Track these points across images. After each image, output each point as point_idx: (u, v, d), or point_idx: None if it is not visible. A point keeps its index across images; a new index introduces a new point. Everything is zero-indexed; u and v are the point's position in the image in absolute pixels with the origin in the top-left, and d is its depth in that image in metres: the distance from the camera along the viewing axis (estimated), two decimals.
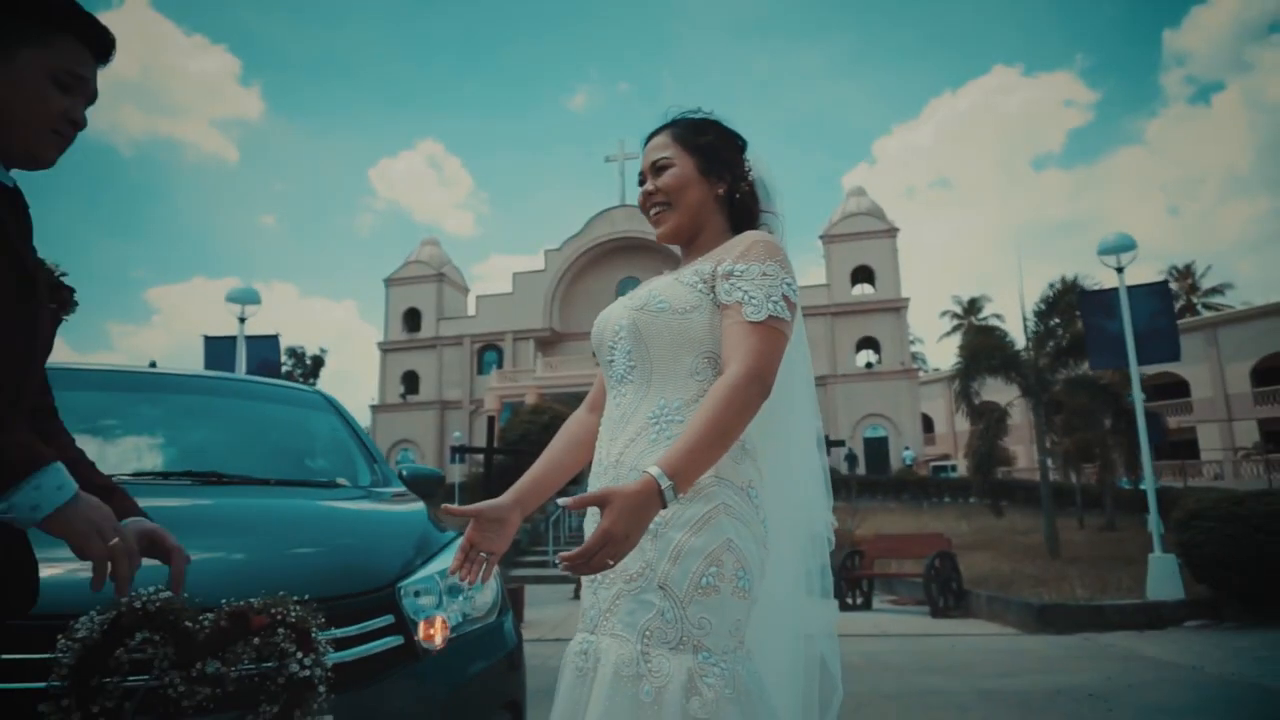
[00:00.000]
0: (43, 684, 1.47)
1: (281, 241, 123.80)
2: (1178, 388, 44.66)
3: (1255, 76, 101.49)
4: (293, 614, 1.65)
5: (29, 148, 1.25)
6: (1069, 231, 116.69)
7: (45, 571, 1.63)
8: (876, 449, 41.27)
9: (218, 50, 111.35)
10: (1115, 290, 8.50)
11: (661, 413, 1.42)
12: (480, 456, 29.27)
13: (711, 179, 1.58)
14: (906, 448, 39.45)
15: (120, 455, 2.56)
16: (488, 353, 46.94)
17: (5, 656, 1.46)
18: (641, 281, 1.66)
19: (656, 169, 1.59)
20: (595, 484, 1.48)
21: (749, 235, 1.51)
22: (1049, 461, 25.28)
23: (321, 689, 1.65)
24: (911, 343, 50.84)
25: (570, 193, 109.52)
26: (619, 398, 1.50)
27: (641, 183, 1.64)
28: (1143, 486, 20.95)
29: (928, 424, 50.65)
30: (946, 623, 8.41)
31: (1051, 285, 15.25)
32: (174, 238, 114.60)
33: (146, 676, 1.53)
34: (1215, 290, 56.89)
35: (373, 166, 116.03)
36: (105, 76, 1.34)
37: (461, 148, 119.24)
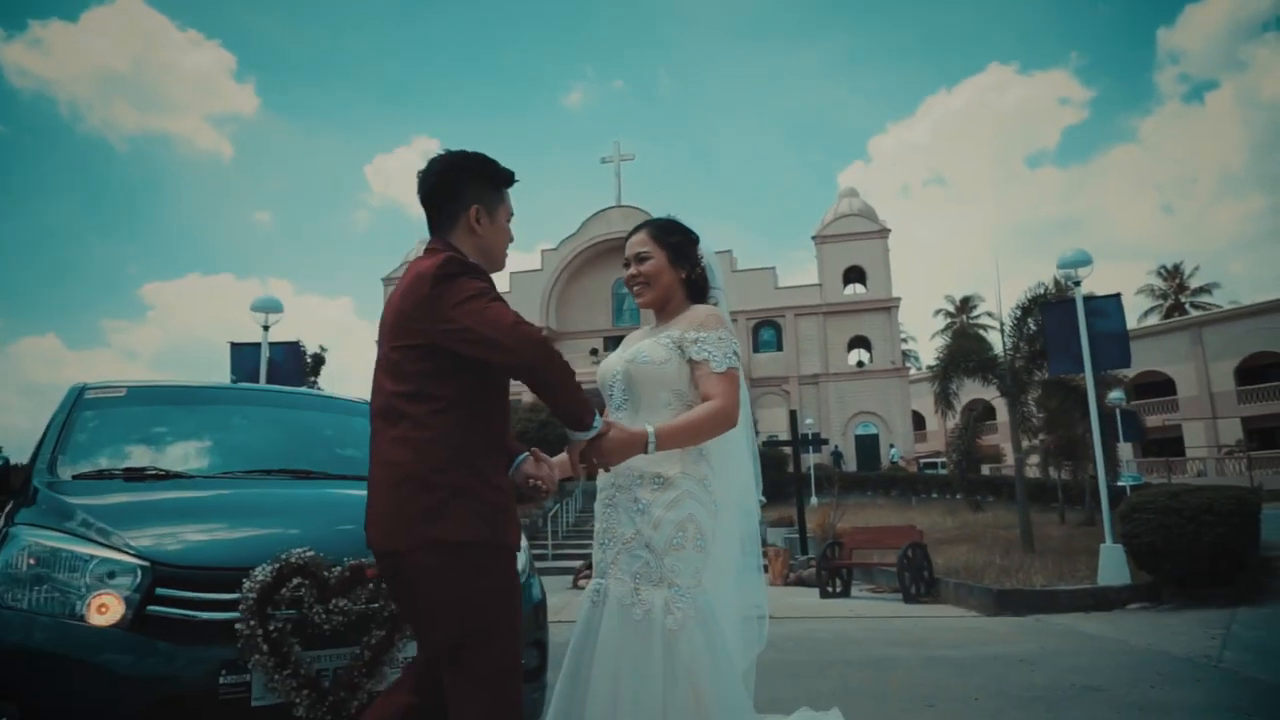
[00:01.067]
0: (237, 613, 2.19)
1: (276, 238, 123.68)
2: (1164, 386, 45.46)
3: (1249, 75, 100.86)
4: None
5: (499, 264, 2.06)
6: (1064, 229, 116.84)
7: (234, 535, 2.38)
8: (867, 446, 42.04)
9: (212, 46, 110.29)
10: (1073, 301, 9.24)
11: (632, 423, 2.15)
12: None
13: (677, 267, 2.32)
14: (892, 445, 40.19)
15: (245, 449, 3.30)
16: None
17: (216, 596, 2.20)
18: None
19: (639, 258, 2.33)
20: (603, 480, 2.22)
21: (703, 309, 2.25)
22: (1035, 458, 26.14)
23: None
24: (904, 340, 51.59)
25: (566, 191, 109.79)
26: (617, 420, 2.23)
27: (626, 266, 2.37)
28: (1119, 483, 21.73)
29: (919, 421, 51.43)
30: (916, 607, 9.14)
31: (1041, 285, 15.94)
32: (168, 234, 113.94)
33: (299, 610, 2.25)
34: (1203, 290, 57.63)
35: (368, 163, 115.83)
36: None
37: (457, 144, 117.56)
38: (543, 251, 47.29)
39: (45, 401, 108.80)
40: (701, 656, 2.02)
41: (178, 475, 2.98)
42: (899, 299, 43.47)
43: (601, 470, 2.11)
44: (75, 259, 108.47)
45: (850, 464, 39.59)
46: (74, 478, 2.86)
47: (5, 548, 2.30)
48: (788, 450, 27.79)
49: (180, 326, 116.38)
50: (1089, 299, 9.18)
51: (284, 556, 2.27)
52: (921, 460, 41.93)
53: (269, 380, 9.59)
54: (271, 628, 2.19)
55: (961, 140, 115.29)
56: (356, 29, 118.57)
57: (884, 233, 44.39)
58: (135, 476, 2.89)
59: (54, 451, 3.00)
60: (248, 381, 9.61)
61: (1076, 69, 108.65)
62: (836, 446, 38.72)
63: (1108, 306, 9.16)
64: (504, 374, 1.90)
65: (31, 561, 2.25)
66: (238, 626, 2.17)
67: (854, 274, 44.33)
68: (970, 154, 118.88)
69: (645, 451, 2.02)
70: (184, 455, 3.24)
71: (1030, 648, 5.80)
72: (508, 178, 2.07)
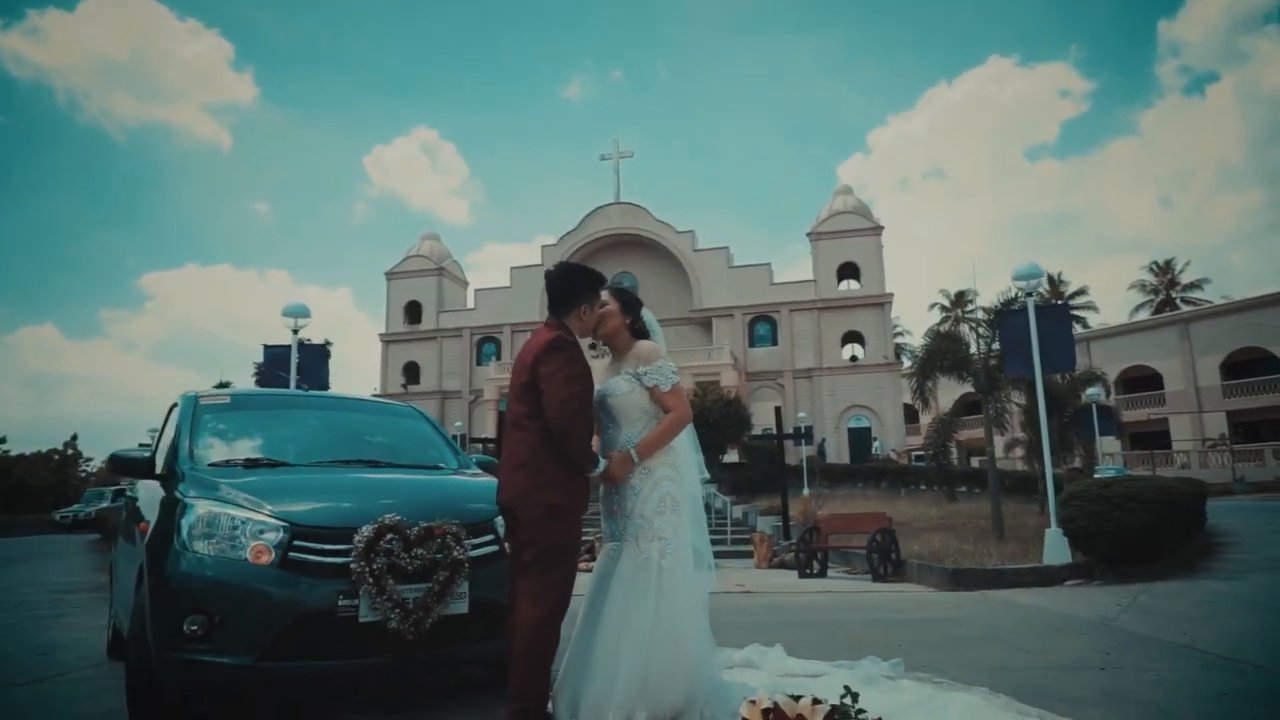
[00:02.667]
0: (349, 558, 3.19)
1: (275, 229, 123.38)
2: (1152, 380, 46.45)
3: (1250, 68, 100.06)
4: (453, 529, 3.39)
5: (589, 334, 3.13)
6: (1062, 223, 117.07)
7: (341, 505, 3.37)
8: (860, 439, 43.07)
9: (210, 35, 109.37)
10: (1025, 310, 10.23)
11: (629, 440, 3.18)
12: (478, 445, 31.11)
13: (625, 314, 3.34)
14: (875, 439, 41.18)
15: (320, 444, 4.30)
16: (486, 344, 48.46)
17: (335, 546, 3.20)
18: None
19: (601, 303, 3.33)
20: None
21: (646, 345, 3.30)
22: (1020, 451, 27.11)
23: (466, 566, 3.39)
24: (899, 334, 52.53)
25: (565, 182, 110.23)
26: (605, 433, 3.25)
27: None
28: (1095, 473, 22.68)
29: (912, 414, 52.44)
30: (883, 585, 10.15)
31: (1010, 290, 16.93)
32: (166, 224, 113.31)
33: (390, 557, 3.25)
34: (1193, 285, 58.56)
35: (367, 154, 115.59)
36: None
37: (456, 135, 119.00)
38: (543, 247, 48.13)
39: (43, 392, 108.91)
40: (679, 585, 3.07)
41: (283, 464, 3.98)
42: (891, 295, 44.43)
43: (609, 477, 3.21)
44: (73, 249, 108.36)
45: (844, 456, 40.59)
46: (209, 465, 3.86)
47: (187, 513, 3.30)
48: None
49: (179, 317, 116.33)
50: (1039, 308, 10.17)
51: (380, 519, 3.27)
52: (914, 452, 42.87)
53: (297, 376, 10.58)
54: (374, 567, 3.19)
55: (961, 133, 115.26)
56: (355, 19, 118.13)
57: (877, 230, 45.32)
58: (253, 464, 3.90)
59: (189, 445, 4.00)
60: (280, 378, 10.62)
61: (1077, 61, 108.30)
62: (823, 440, 39.74)
63: (1056, 315, 10.16)
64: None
65: (207, 523, 3.25)
66: (351, 566, 3.18)
67: (848, 270, 45.22)
68: (969, 147, 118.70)
69: (634, 464, 3.12)
70: (281, 448, 4.24)
71: (964, 613, 6.81)
72: (603, 281, 3.26)
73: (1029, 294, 10.23)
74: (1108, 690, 3.84)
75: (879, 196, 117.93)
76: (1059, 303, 11.30)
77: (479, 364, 47.90)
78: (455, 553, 3.35)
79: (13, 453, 55.94)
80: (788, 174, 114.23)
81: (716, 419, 29.50)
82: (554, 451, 2.98)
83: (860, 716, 2.70)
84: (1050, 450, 23.08)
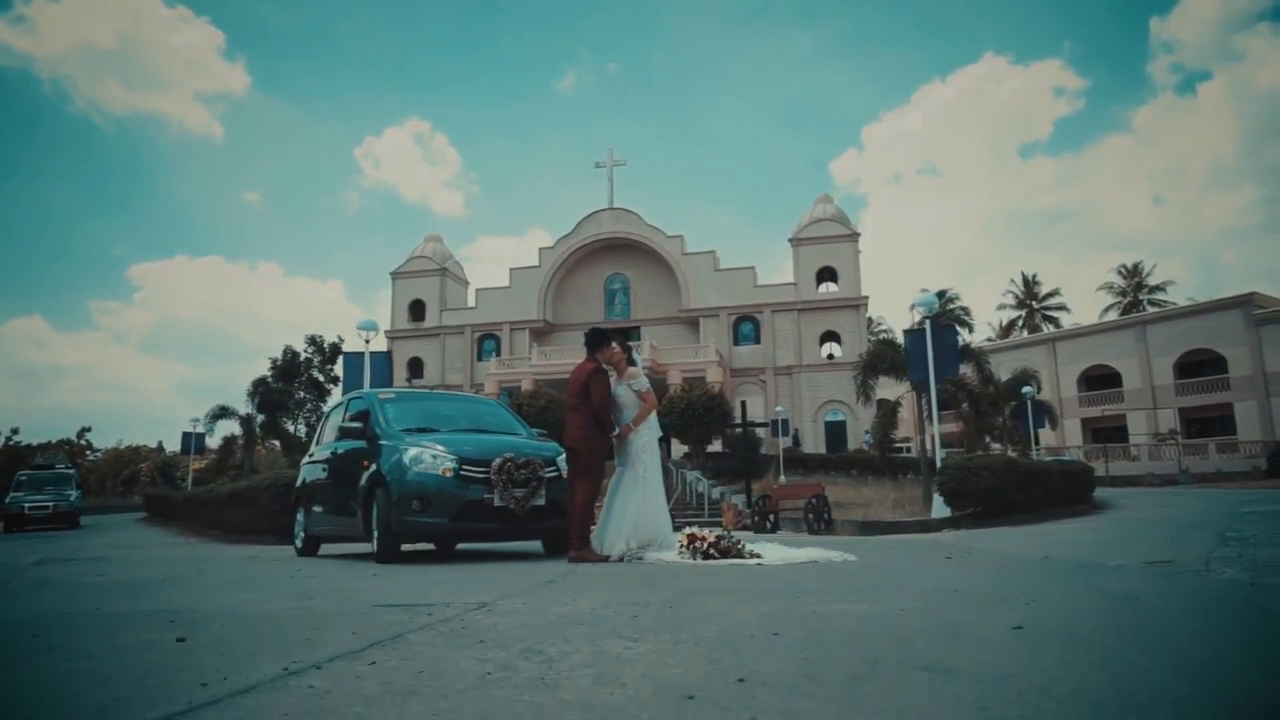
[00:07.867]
0: (490, 474, 6.46)
1: (266, 219, 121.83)
2: (1112, 379, 49.83)
3: (1243, 66, 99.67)
4: (539, 461, 6.70)
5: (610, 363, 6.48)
6: (1055, 219, 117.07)
7: (482, 448, 6.74)
8: (836, 431, 46.33)
9: (200, 23, 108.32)
10: (924, 331, 13.52)
11: (627, 418, 6.53)
12: None
13: (624, 352, 6.64)
14: (866, 431, 44.42)
15: (450, 420, 7.55)
16: (486, 341, 51.36)
17: (483, 469, 6.49)
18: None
19: (612, 347, 6.62)
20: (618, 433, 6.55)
21: (633, 369, 6.64)
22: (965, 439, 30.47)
23: (545, 481, 6.69)
24: (885, 331, 55.72)
25: (560, 174, 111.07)
26: (614, 414, 6.54)
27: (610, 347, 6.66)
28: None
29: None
30: (815, 536, 13.43)
31: (944, 300, 20.22)
32: (157, 214, 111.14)
33: (509, 474, 6.52)
34: (1159, 288, 62.03)
35: (358, 145, 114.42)
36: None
37: (448, 126, 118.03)
38: (540, 249, 51.04)
39: (35, 383, 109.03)
40: (652, 486, 6.36)
41: (437, 430, 7.22)
42: (867, 298, 47.63)
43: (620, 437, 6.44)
44: (61, 240, 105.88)
45: (821, 447, 43.83)
46: (400, 430, 7.10)
47: (404, 453, 6.55)
48: (760, 433, 32.06)
49: (169, 308, 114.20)
50: (934, 327, 13.48)
51: (504, 455, 6.52)
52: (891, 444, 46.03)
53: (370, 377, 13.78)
54: (502, 479, 6.44)
55: (955, 129, 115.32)
56: (346, 8, 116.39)
57: (854, 236, 48.51)
58: (423, 430, 7.14)
59: (383, 419, 7.24)
60: (355, 379, 13.83)
61: (1071, 59, 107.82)
62: (795, 431, 42.90)
63: (946, 332, 13.46)
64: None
65: (416, 456, 6.50)
66: (491, 478, 6.43)
67: (827, 273, 48.37)
68: (963, 143, 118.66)
69: (632, 429, 6.34)
70: (432, 421, 7.45)
71: (864, 545, 10.06)
72: (613, 335, 6.44)
73: (927, 317, 13.52)
74: (889, 557, 7.11)
75: (872, 192, 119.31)
76: (947, 324, 14.47)
77: (479, 359, 50.80)
78: (540, 473, 6.62)
79: (23, 443, 58.86)
80: (780, 170, 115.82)
81: (701, 412, 32.44)
82: (595, 421, 6.21)
83: (731, 537, 5.97)
84: (1000, 441, 26.26)
